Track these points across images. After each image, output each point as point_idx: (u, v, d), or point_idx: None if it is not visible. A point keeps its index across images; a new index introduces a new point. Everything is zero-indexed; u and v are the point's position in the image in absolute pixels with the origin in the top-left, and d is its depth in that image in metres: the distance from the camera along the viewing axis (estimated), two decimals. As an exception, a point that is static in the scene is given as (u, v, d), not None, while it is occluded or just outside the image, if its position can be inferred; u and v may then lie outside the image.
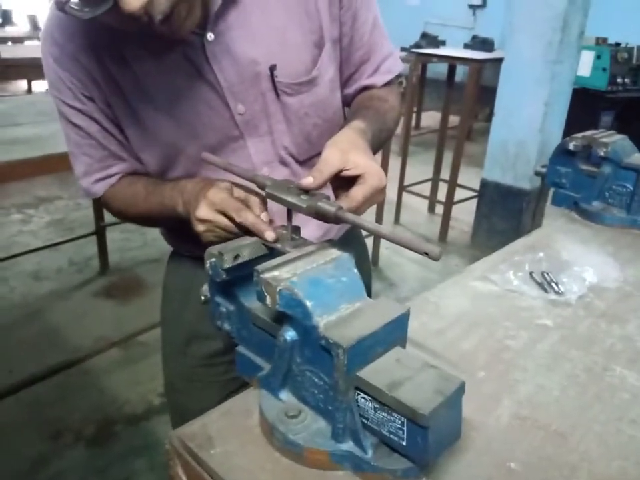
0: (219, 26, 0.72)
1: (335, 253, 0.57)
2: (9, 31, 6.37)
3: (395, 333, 0.53)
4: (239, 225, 0.64)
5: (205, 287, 0.65)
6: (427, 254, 0.50)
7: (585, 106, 4.49)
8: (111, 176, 0.85)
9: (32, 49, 4.57)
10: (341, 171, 0.62)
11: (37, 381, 1.86)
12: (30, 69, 3.59)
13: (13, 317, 2.42)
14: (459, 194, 3.54)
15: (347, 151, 0.63)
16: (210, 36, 0.72)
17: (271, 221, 0.65)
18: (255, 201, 0.67)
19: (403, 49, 4.79)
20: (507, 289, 0.87)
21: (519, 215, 2.96)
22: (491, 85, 3.78)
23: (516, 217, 2.98)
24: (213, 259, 0.58)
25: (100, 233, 2.85)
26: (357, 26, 0.83)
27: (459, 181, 3.45)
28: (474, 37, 5.29)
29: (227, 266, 0.57)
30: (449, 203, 3.37)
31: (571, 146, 1.17)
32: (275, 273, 0.52)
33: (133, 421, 1.87)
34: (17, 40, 5.11)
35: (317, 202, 0.58)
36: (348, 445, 0.51)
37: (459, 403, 0.49)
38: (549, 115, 2.76)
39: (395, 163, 3.33)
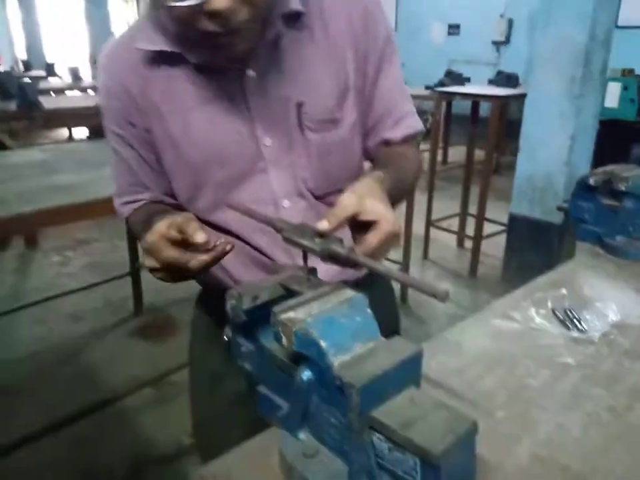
0: (260, 64, 0.80)
1: (349, 293, 0.59)
2: (52, 82, 6.76)
3: (408, 373, 0.54)
4: (171, 262, 0.66)
5: (227, 328, 0.68)
6: (435, 296, 0.52)
7: (614, 137, 4.45)
8: (137, 201, 0.92)
9: (72, 99, 4.84)
10: (357, 215, 0.64)
11: (74, 421, 1.90)
12: (70, 118, 3.82)
13: (52, 357, 2.50)
14: (488, 228, 3.52)
15: (364, 196, 0.65)
16: (250, 72, 0.80)
17: (208, 242, 0.66)
18: (194, 227, 0.66)
19: (427, 87, 4.89)
20: (528, 326, 0.87)
21: (550, 249, 2.92)
22: (517, 118, 3.81)
23: (546, 251, 2.94)
24: (233, 301, 0.61)
25: (135, 274, 2.94)
26: (380, 81, 0.88)
27: (488, 215, 3.44)
28: (499, 73, 5.35)
29: (246, 307, 0.60)
30: (478, 237, 3.35)
31: (592, 181, 1.17)
32: (291, 314, 0.55)
33: (163, 461, 1.89)
34: (59, 91, 5.41)
35: (329, 245, 0.61)
36: (364, 485, 0.52)
37: (472, 442, 0.49)
38: (575, 148, 2.75)
39: (422, 197, 3.36)
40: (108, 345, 2.64)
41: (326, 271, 0.79)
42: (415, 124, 0.94)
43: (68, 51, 11.20)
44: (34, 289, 3.17)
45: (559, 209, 1.31)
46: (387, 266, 0.58)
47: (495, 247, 3.47)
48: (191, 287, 3.08)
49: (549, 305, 0.93)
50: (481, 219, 3.35)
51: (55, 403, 2.10)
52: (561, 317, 0.88)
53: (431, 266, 3.60)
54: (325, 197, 0.90)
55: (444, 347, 0.81)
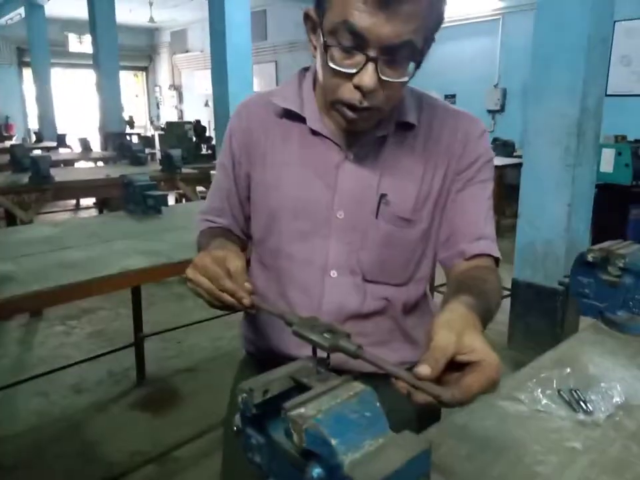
0: (361, 151, 0.88)
1: (358, 387, 0.60)
2: (62, 152, 6.99)
3: (417, 469, 0.55)
4: (220, 289, 0.72)
5: (237, 417, 0.69)
6: (440, 402, 0.54)
7: (612, 200, 4.55)
8: (215, 222, 1.03)
9: (81, 171, 4.98)
10: (456, 355, 0.58)
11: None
12: (79, 189, 3.92)
13: (53, 431, 2.45)
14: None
15: (462, 332, 0.59)
16: (350, 155, 0.89)
17: (252, 291, 0.73)
18: (238, 267, 0.74)
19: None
20: (535, 409, 0.87)
21: (554, 314, 2.92)
22: (515, 182, 3.90)
23: (551, 316, 2.94)
24: (244, 394, 0.62)
25: (138, 344, 2.93)
26: (467, 201, 0.92)
27: (491, 280, 3.44)
28: (495, 140, 5.53)
29: (257, 402, 0.62)
30: (482, 303, 3.35)
31: (590, 258, 1.21)
32: (302, 410, 0.56)
33: None
34: (69, 162, 5.58)
35: (337, 341, 0.63)
36: None
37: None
38: (573, 215, 2.81)
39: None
40: (109, 418, 2.60)
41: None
42: (494, 249, 0.92)
43: (79, 122, 11.64)
44: (37, 358, 3.16)
45: (560, 283, 1.33)
46: (396, 367, 0.59)
47: (502, 312, 3.46)
48: (191, 357, 3.09)
49: (554, 385, 0.93)
50: (483, 284, 3.36)
51: (56, 481, 2.05)
52: (567, 398, 0.89)
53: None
54: (373, 282, 0.93)
55: (452, 431, 0.82)
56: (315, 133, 0.90)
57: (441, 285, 3.66)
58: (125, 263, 1.69)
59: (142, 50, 12.88)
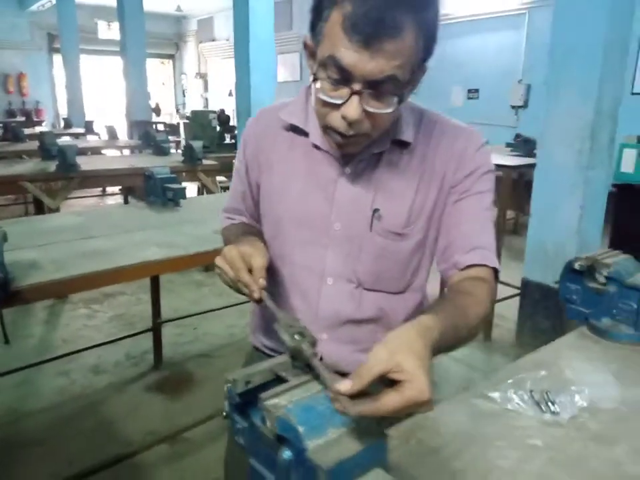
0: (358, 167, 0.95)
1: (328, 382, 0.68)
2: (89, 140, 7.17)
3: (374, 457, 0.62)
4: (239, 280, 0.84)
5: (226, 404, 0.77)
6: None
7: (632, 201, 4.51)
8: (234, 219, 1.14)
9: (107, 160, 5.12)
10: (386, 374, 0.60)
11: (90, 475, 1.98)
12: (105, 178, 4.05)
13: (73, 409, 2.60)
14: (503, 291, 3.56)
15: (397, 352, 0.61)
16: (347, 170, 0.95)
17: (264, 288, 0.84)
18: (258, 264, 0.85)
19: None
20: (505, 407, 0.94)
21: (561, 315, 2.95)
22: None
23: (559, 317, 2.97)
24: (229, 384, 0.71)
25: (156, 329, 3.06)
26: (463, 211, 0.95)
27: (505, 276, 3.46)
28: (517, 136, 5.50)
29: (239, 391, 0.70)
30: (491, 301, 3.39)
31: (577, 266, 1.26)
32: (276, 400, 0.64)
33: (174, 518, 1.94)
34: (96, 150, 5.73)
35: (300, 344, 0.71)
36: None
37: (423, 521, 0.57)
38: (585, 217, 2.83)
39: (436, 261, 3.42)
40: (127, 398, 2.73)
41: None
42: (490, 259, 0.92)
43: (106, 109, 11.86)
44: (61, 339, 3.31)
45: (556, 283, 1.38)
46: (333, 378, 0.63)
47: (512, 309, 3.50)
48: (207, 343, 3.20)
49: (528, 386, 1.00)
50: (494, 282, 3.40)
51: (73, 456, 2.18)
52: (537, 399, 0.95)
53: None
54: (370, 290, 1.00)
55: (424, 425, 0.89)
56: (317, 147, 0.96)
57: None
58: (143, 254, 1.80)
59: (169, 38, 13.03)
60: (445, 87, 7.70)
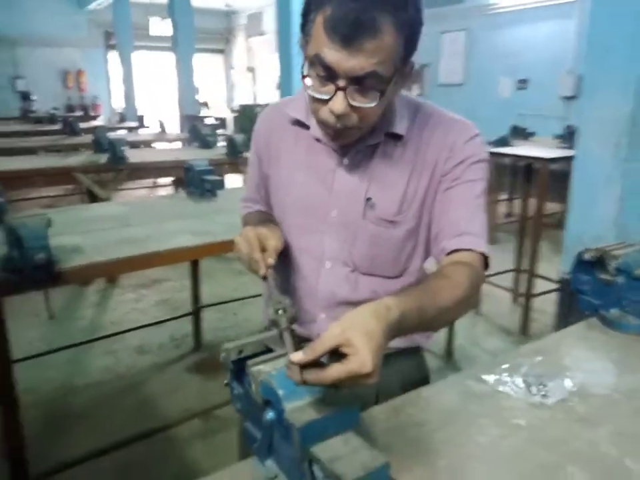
0: (355, 158, 1.01)
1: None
2: (141, 133, 7.46)
3: (346, 420, 0.69)
4: (251, 257, 0.94)
5: (228, 374, 0.86)
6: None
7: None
8: (253, 208, 1.22)
9: (157, 152, 5.33)
10: (338, 348, 0.67)
11: (124, 446, 2.13)
12: (152, 170, 4.24)
13: (117, 386, 2.78)
14: (543, 285, 3.52)
15: (349, 329, 0.67)
16: (345, 161, 1.02)
17: (270, 267, 0.93)
18: (271, 246, 0.95)
19: (489, 143, 4.98)
20: (497, 389, 0.98)
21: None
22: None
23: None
24: (224, 354, 0.79)
25: (196, 313, 3.21)
26: (453, 199, 0.98)
27: (547, 271, 3.44)
28: (568, 127, 5.35)
29: (232, 359, 0.78)
30: (528, 295, 3.36)
31: (587, 257, 1.27)
32: (261, 366, 0.72)
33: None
34: (148, 143, 5.98)
35: (279, 318, 0.78)
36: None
37: (384, 477, 0.64)
38: (624, 210, 2.76)
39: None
40: (167, 377, 2.89)
41: None
42: (477, 244, 0.95)
43: (159, 104, 12.27)
44: (109, 321, 3.52)
45: (568, 274, 1.40)
46: (290, 350, 0.72)
47: (551, 303, 3.45)
48: (246, 328, 3.34)
49: (523, 370, 1.03)
50: (531, 276, 3.36)
51: (112, 430, 2.34)
52: (529, 383, 0.99)
53: (481, 321, 3.62)
54: (366, 274, 1.06)
55: (414, 401, 0.94)
56: (317, 140, 1.04)
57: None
58: (176, 241, 1.92)
59: (220, 32, 13.28)
60: (493, 77, 7.55)
